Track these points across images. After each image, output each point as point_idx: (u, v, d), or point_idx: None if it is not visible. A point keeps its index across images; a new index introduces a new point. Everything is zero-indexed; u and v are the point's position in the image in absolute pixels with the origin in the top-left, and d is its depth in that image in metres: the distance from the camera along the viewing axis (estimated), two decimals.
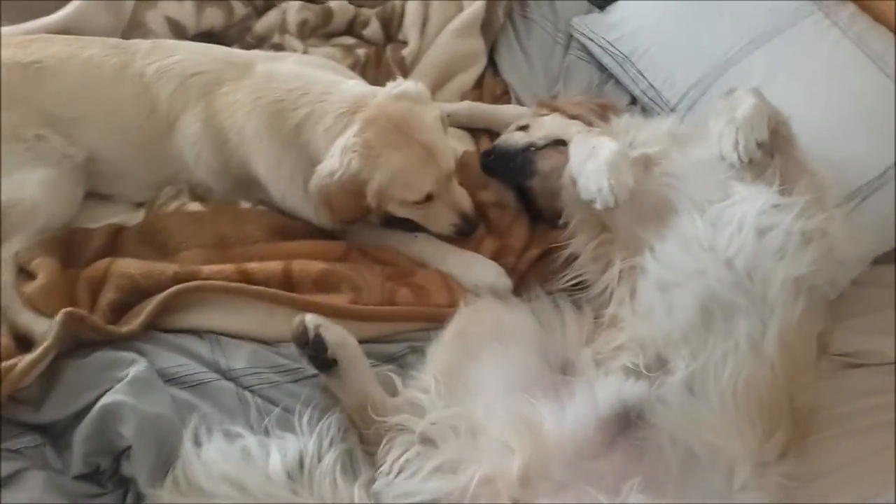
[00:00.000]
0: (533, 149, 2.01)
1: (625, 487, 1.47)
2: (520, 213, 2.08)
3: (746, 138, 1.69)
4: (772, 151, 1.76)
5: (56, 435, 1.60)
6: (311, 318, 1.62)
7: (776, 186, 1.69)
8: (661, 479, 1.50)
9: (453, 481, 1.48)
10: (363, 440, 1.63)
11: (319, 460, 1.53)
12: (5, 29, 2.11)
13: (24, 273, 1.82)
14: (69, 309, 1.65)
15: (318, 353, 1.61)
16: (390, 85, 1.90)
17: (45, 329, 1.70)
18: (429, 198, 1.85)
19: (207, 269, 1.78)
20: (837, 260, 1.77)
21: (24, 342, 1.71)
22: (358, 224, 1.95)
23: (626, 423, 1.57)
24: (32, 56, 1.91)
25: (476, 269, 1.92)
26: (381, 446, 1.58)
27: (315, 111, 1.86)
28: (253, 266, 1.80)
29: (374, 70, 2.41)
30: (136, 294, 1.76)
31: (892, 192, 1.97)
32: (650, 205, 1.77)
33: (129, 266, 1.79)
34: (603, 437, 1.54)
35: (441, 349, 1.72)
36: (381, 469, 1.54)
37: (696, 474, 1.53)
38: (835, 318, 1.90)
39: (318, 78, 1.93)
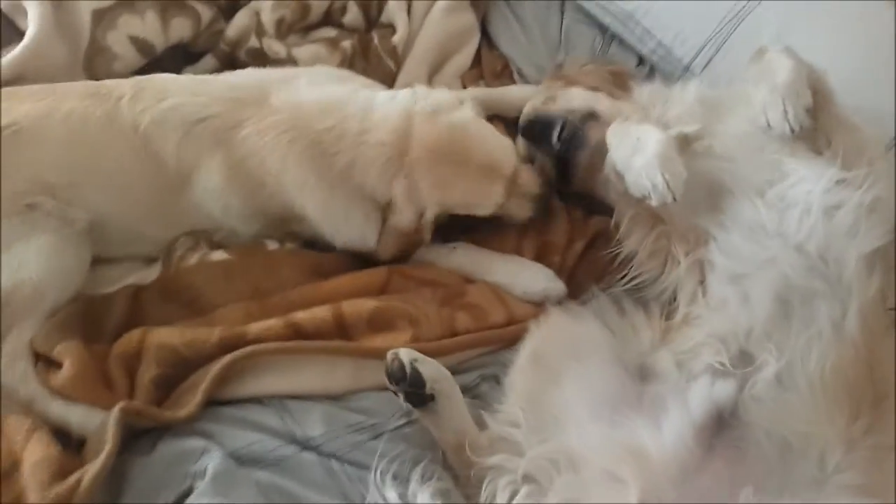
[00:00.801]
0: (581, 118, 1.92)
1: (741, 496, 1.44)
2: (556, 204, 1.99)
3: (794, 106, 1.61)
4: (814, 112, 1.69)
5: None
6: (405, 353, 1.56)
7: (837, 160, 1.63)
8: (766, 477, 1.49)
9: None
10: (459, 484, 1.57)
11: None
12: None
13: (46, 360, 1.66)
14: (124, 404, 1.53)
15: (416, 389, 1.55)
16: (410, 96, 1.79)
17: (80, 418, 1.60)
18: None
19: (254, 328, 1.66)
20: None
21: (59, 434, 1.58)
22: None
23: (721, 425, 1.54)
24: (5, 119, 1.68)
25: (524, 275, 1.85)
26: (483, 490, 1.52)
27: (359, 157, 1.75)
28: (301, 316, 1.68)
29: (363, 61, 2.24)
30: (180, 366, 1.65)
31: None
32: (701, 190, 1.70)
33: (168, 336, 1.66)
34: (701, 445, 1.51)
35: (519, 376, 1.65)
36: None
37: (793, 464, 1.52)
38: (886, 266, 1.86)
39: (347, 108, 1.79)
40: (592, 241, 1.94)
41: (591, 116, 1.92)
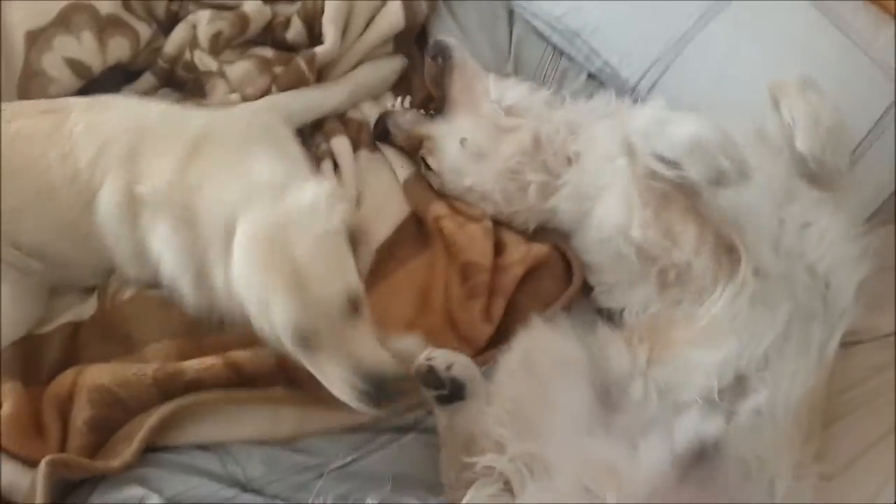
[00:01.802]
0: None
1: None
2: (474, 228, 1.98)
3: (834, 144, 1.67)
4: None
5: None
6: (440, 359, 1.56)
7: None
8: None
9: None
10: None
11: None
12: None
13: None
14: (51, 457, 1.52)
15: (455, 394, 1.58)
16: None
17: (10, 477, 1.57)
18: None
19: (192, 365, 1.65)
20: None
21: None
22: None
23: (702, 456, 1.53)
24: None
25: None
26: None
27: None
28: (241, 356, 1.66)
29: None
30: (115, 406, 1.64)
31: (870, 161, 2.00)
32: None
33: (100, 376, 1.64)
34: (677, 473, 1.52)
35: (508, 379, 1.66)
36: None
37: (749, 491, 1.56)
38: None
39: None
40: (535, 269, 1.93)
41: None
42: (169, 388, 1.64)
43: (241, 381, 1.65)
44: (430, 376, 1.56)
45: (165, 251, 1.64)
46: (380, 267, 1.91)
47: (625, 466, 1.51)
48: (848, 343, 1.89)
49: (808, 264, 1.63)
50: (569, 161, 1.93)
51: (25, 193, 1.71)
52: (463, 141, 2.01)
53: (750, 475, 1.55)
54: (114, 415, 1.63)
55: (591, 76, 2.30)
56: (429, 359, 1.56)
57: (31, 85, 2.00)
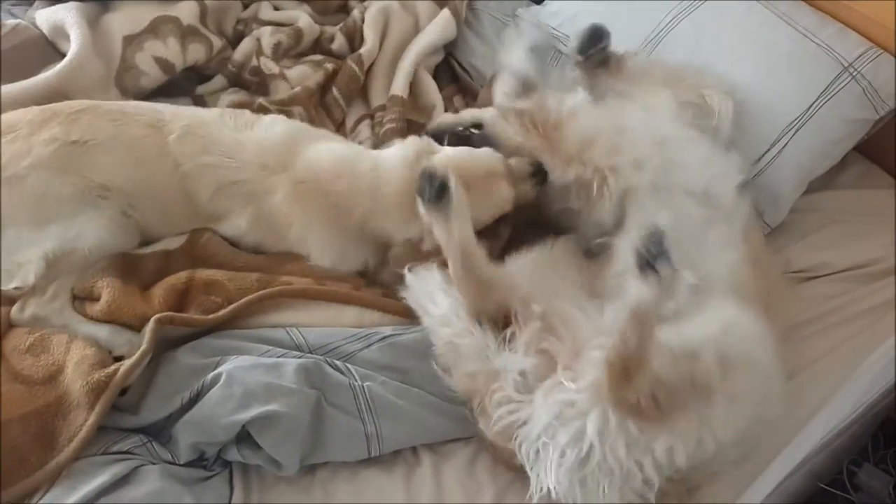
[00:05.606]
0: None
1: None
2: None
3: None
4: None
5: (155, 433, 1.86)
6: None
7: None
8: None
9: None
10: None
11: None
12: (4, 87, 2.34)
13: (83, 300, 2.04)
14: (159, 315, 1.92)
15: (440, 187, 1.94)
16: (401, 149, 2.23)
17: (108, 335, 1.96)
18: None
19: (284, 277, 2.11)
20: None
21: None
22: None
23: None
24: (84, 135, 2.07)
25: None
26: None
27: (376, 208, 2.16)
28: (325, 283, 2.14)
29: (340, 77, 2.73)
30: (223, 297, 2.05)
31: (814, 128, 2.37)
32: None
33: (214, 273, 2.08)
34: None
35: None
36: None
37: None
38: (786, 242, 2.42)
39: (357, 168, 2.19)
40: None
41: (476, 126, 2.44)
42: (266, 287, 2.06)
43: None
44: (430, 170, 1.97)
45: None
46: None
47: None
48: (804, 279, 2.32)
49: (687, 190, 2.07)
50: None
51: (139, 187, 2.11)
52: None
53: None
54: (223, 304, 2.04)
55: None
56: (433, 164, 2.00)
57: (126, 77, 2.52)
